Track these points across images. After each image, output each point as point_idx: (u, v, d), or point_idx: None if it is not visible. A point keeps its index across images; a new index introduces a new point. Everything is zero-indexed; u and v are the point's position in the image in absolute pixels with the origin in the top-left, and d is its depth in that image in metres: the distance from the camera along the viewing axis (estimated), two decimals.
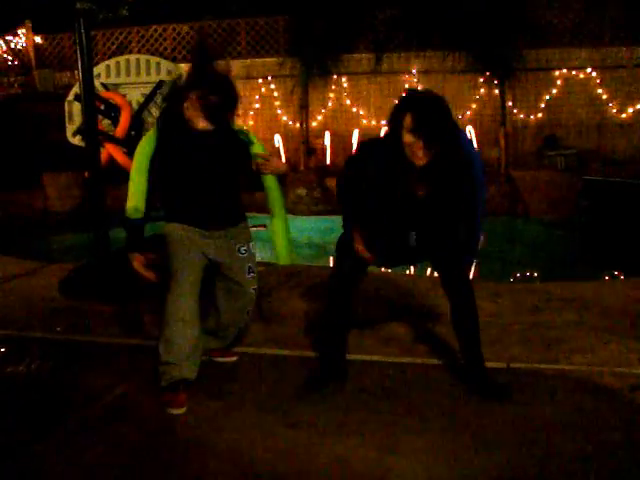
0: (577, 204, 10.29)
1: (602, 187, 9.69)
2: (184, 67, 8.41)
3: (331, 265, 3.47)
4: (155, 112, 5.62)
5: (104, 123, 5.71)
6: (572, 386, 3.29)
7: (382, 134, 3.13)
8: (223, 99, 3.08)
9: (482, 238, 3.23)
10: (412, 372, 3.52)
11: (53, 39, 14.35)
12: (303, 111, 13.09)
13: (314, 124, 13.34)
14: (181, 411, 3.09)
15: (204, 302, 3.31)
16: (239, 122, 3.42)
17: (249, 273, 3.33)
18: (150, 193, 3.14)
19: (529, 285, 6.41)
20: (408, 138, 2.80)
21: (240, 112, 3.42)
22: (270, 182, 3.35)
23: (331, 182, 11.62)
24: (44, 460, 2.72)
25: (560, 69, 12.30)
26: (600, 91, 12.25)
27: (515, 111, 12.54)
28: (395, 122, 2.87)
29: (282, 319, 4.37)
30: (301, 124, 13.13)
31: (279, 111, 13.45)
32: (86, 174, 5.25)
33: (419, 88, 3.12)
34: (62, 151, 7.27)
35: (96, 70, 5.58)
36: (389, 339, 3.99)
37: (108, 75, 5.86)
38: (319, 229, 10.24)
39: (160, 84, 5.63)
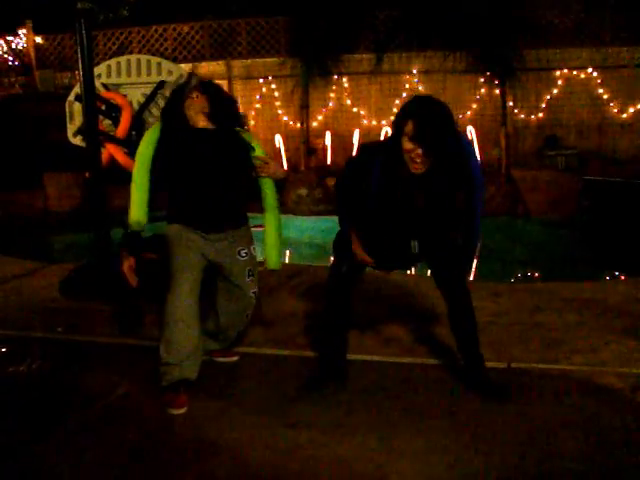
0: (578, 204, 10.30)
1: (603, 187, 9.70)
2: (185, 67, 8.42)
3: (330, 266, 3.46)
4: (156, 112, 5.61)
5: (105, 123, 5.69)
6: (573, 386, 3.28)
7: (383, 137, 3.12)
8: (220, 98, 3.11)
9: (478, 244, 3.22)
10: (412, 372, 3.52)
11: (54, 39, 14.35)
12: (304, 111, 13.09)
13: (315, 124, 13.34)
14: (181, 411, 3.09)
15: (204, 304, 3.31)
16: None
17: (249, 276, 3.32)
18: (152, 194, 3.14)
19: (530, 285, 6.41)
20: (407, 145, 2.81)
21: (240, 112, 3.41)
22: (267, 187, 3.34)
23: (332, 182, 11.61)
24: (44, 460, 2.72)
25: (561, 69, 12.30)
26: (601, 91, 12.25)
27: (516, 111, 12.54)
28: (397, 128, 2.88)
29: (282, 319, 4.37)
30: (302, 124, 13.13)
31: (280, 111, 13.45)
32: (87, 174, 5.24)
33: (423, 93, 3.09)
34: (63, 151, 7.26)
35: (97, 70, 5.58)
36: (389, 339, 3.99)
37: (109, 75, 5.84)
38: (320, 229, 10.24)
39: (161, 84, 5.62)
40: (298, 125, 13.22)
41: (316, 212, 11.77)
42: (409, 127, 2.79)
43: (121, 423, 3.02)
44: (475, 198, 3.00)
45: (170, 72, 5.73)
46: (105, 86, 5.79)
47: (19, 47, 14.53)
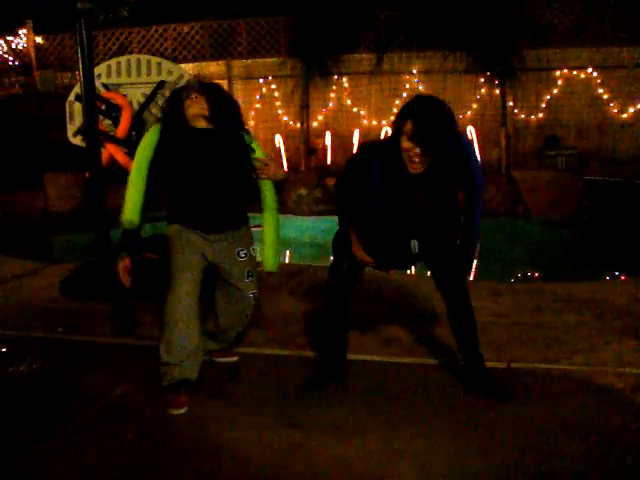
0: (578, 204, 10.30)
1: (603, 187, 9.69)
2: (185, 67, 8.41)
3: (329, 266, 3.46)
4: (156, 112, 5.61)
5: (105, 123, 5.70)
6: (573, 386, 3.28)
7: (383, 137, 3.11)
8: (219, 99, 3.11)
9: (477, 245, 3.21)
10: (412, 372, 3.52)
11: (54, 39, 14.36)
12: (304, 111, 13.09)
13: (315, 124, 13.34)
14: (182, 411, 3.09)
15: (204, 305, 3.31)
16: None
17: (248, 277, 3.32)
18: (149, 196, 3.14)
19: (530, 285, 6.41)
20: (406, 144, 2.80)
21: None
22: (266, 188, 3.33)
23: (332, 182, 11.61)
24: (44, 460, 2.72)
25: (561, 69, 12.29)
26: (601, 91, 12.24)
27: (516, 111, 12.54)
28: (396, 127, 2.87)
29: (282, 319, 4.37)
30: (302, 124, 13.13)
31: (280, 111, 13.45)
32: (87, 174, 5.24)
33: (424, 93, 3.07)
34: (63, 151, 7.26)
35: (97, 70, 5.58)
36: (389, 339, 3.99)
37: (109, 75, 5.84)
38: (320, 229, 10.23)
39: (161, 84, 5.62)
40: (298, 125, 13.22)
41: (316, 212, 11.77)
42: (408, 126, 2.79)
43: (121, 423, 3.02)
44: (475, 198, 3.00)
45: (170, 72, 5.74)
46: (105, 86, 5.80)
47: (19, 47, 14.54)
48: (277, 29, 13.45)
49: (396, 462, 2.64)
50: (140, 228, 3.19)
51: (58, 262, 6.65)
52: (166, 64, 5.85)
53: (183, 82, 5.63)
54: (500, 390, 3.19)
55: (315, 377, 3.37)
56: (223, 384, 3.42)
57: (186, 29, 13.75)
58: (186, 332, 3.09)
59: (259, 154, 3.28)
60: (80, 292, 4.95)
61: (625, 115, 12.20)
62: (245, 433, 2.90)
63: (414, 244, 3.13)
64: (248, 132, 3.34)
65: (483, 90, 12.53)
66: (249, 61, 13.49)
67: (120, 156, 5.57)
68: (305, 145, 13.10)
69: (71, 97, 5.84)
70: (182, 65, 8.94)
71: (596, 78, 12.22)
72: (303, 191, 12.04)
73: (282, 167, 3.89)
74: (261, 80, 13.43)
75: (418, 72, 12.66)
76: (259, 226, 3.40)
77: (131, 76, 5.82)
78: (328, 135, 13.15)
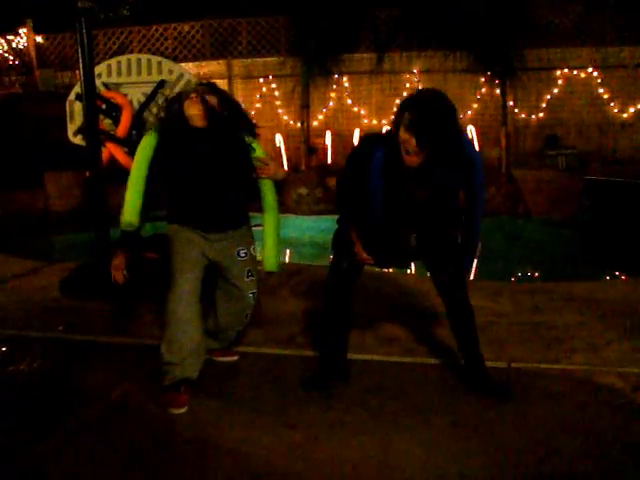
0: (578, 204, 10.28)
1: (603, 187, 9.68)
2: (185, 66, 8.41)
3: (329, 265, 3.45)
4: (156, 112, 5.61)
5: (105, 122, 5.69)
6: (573, 386, 3.28)
7: (384, 131, 3.09)
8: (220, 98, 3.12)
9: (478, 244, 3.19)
10: (412, 372, 3.52)
11: (54, 39, 14.36)
12: (304, 110, 13.09)
13: (315, 123, 13.34)
14: (182, 411, 3.09)
15: (204, 304, 3.31)
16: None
17: (248, 276, 3.32)
18: (149, 196, 3.14)
19: (530, 285, 6.41)
20: (403, 135, 2.78)
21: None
22: (267, 187, 3.33)
23: (332, 181, 11.61)
24: (44, 460, 2.72)
25: (561, 69, 12.30)
26: (601, 91, 12.24)
27: (516, 111, 12.54)
28: (396, 120, 2.86)
29: (282, 319, 4.38)
30: (302, 123, 13.13)
31: (280, 110, 13.45)
32: (87, 173, 5.24)
33: (428, 88, 3.02)
34: (63, 150, 7.26)
35: (97, 69, 5.58)
36: (390, 339, 3.99)
37: (109, 74, 5.85)
38: (320, 228, 10.23)
39: (161, 83, 5.62)
40: (298, 125, 13.22)
41: (316, 211, 11.78)
42: (406, 118, 2.77)
43: (121, 423, 3.02)
44: (475, 197, 2.99)
45: (170, 71, 5.74)
46: (105, 85, 5.80)
47: (20, 46, 14.53)
48: (277, 28, 13.45)
49: (396, 462, 2.64)
50: (140, 228, 3.19)
51: (58, 261, 6.65)
52: (166, 63, 5.85)
53: (183, 81, 5.64)
54: (500, 390, 3.19)
55: (315, 376, 3.37)
56: (223, 384, 3.42)
57: (186, 28, 13.75)
58: (187, 331, 3.09)
59: (259, 153, 3.28)
60: (80, 291, 4.95)
61: (625, 115, 12.20)
62: (245, 433, 2.90)
63: (413, 238, 3.12)
64: (255, 132, 3.33)
65: (483, 90, 12.54)
66: (249, 60, 13.49)
67: (120, 155, 5.57)
68: (305, 145, 13.10)
69: (71, 96, 5.84)
70: (182, 64, 8.93)
71: (596, 78, 12.22)
72: (303, 190, 12.04)
73: (282, 166, 3.88)
74: (261, 79, 13.44)
75: (418, 72, 12.67)
76: (260, 225, 3.40)
77: (131, 75, 5.82)
78: (328, 135, 13.15)
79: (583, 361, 3.57)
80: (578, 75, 12.29)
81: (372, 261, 3.19)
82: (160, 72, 5.74)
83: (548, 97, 12.43)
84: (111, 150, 5.58)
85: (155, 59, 5.86)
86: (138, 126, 5.55)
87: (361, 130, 12.83)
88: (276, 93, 13.41)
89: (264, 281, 4.31)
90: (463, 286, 3.23)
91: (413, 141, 2.74)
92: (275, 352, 3.84)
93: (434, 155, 2.80)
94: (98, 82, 5.52)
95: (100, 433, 2.93)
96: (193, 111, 3.08)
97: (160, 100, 5.59)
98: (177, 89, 5.53)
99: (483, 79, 12.38)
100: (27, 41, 14.39)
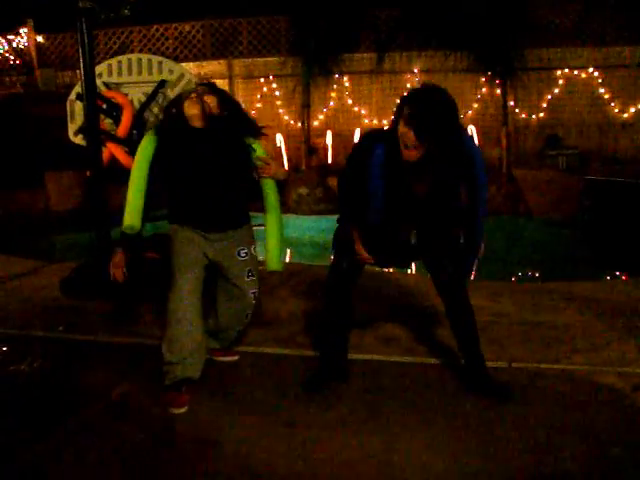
0: (579, 204, 10.29)
1: (604, 187, 9.68)
2: (186, 66, 8.42)
3: (329, 264, 3.45)
4: (157, 111, 5.62)
5: (106, 122, 5.70)
6: (573, 386, 3.28)
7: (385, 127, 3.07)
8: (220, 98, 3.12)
9: (482, 246, 3.17)
10: (413, 372, 3.52)
11: (55, 38, 14.37)
12: (305, 110, 13.09)
13: (316, 123, 13.34)
14: (182, 410, 3.09)
15: (205, 303, 3.30)
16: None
17: (249, 276, 3.31)
18: (150, 195, 3.14)
19: (530, 285, 6.41)
20: (402, 129, 2.78)
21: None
22: (268, 187, 3.32)
23: (333, 181, 11.63)
24: (44, 460, 2.72)
25: (562, 69, 12.30)
26: (602, 91, 12.25)
27: (517, 111, 12.54)
28: (396, 114, 2.86)
29: (283, 318, 4.38)
30: (303, 123, 13.13)
31: (281, 110, 13.45)
32: (88, 173, 5.25)
33: (429, 83, 3.01)
34: (64, 150, 7.27)
35: (98, 69, 5.58)
36: (390, 339, 3.99)
37: (110, 74, 5.85)
38: (320, 228, 10.23)
39: (162, 83, 5.63)
40: (299, 124, 13.23)
41: (317, 211, 11.78)
42: (405, 111, 2.77)
43: (121, 422, 3.02)
44: (477, 197, 2.98)
45: (171, 71, 5.74)
46: (106, 85, 5.80)
47: (20, 46, 14.54)
48: (278, 28, 13.46)
49: (396, 462, 2.64)
50: (141, 228, 3.19)
51: (59, 261, 6.64)
52: (167, 63, 5.85)
53: (184, 81, 5.64)
54: (500, 390, 3.19)
55: (315, 376, 3.37)
56: (223, 383, 3.42)
57: (187, 28, 13.76)
58: (188, 330, 3.10)
59: (260, 153, 3.27)
60: (81, 291, 4.95)
61: (626, 115, 12.20)
62: (245, 433, 2.90)
63: (413, 235, 3.11)
64: (261, 133, 3.33)
65: (484, 89, 12.54)
66: (250, 60, 13.50)
67: (121, 155, 5.58)
68: (306, 144, 13.11)
69: (72, 96, 5.84)
70: (183, 64, 8.94)
71: (597, 78, 12.22)
72: (304, 190, 12.04)
73: (283, 166, 3.88)
74: (262, 79, 13.44)
75: (419, 71, 12.67)
76: (262, 225, 3.40)
77: (132, 75, 5.82)
78: (329, 134, 13.15)
79: (583, 361, 3.57)
80: (579, 75, 12.29)
81: (372, 260, 3.19)
82: (161, 72, 5.74)
83: (549, 97, 12.43)
84: (112, 150, 5.58)
85: (156, 59, 5.86)
86: (139, 126, 5.55)
87: (362, 130, 12.81)
88: (277, 93, 13.42)
89: (264, 281, 4.31)
90: (463, 286, 3.23)
91: (412, 134, 2.73)
92: (275, 352, 3.84)
93: (433, 149, 2.79)
94: (99, 82, 5.52)
95: (100, 433, 2.93)
96: (193, 111, 3.08)
97: (161, 100, 5.60)
98: (178, 89, 5.53)
99: (484, 79, 12.38)
100: (28, 41, 14.40)
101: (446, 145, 2.80)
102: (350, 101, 13.21)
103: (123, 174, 3.31)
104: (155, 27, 13.85)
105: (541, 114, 12.50)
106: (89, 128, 5.06)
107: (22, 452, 2.77)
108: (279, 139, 13.10)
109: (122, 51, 13.36)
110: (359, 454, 2.70)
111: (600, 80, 12.21)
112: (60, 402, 3.27)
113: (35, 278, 5.66)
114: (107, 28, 14.14)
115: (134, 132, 5.56)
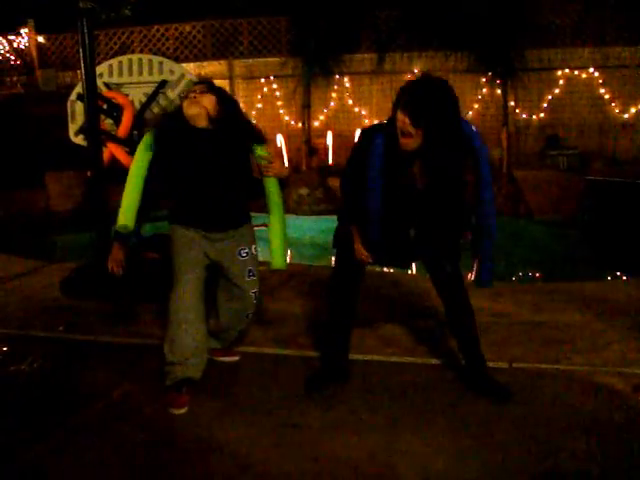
0: (579, 204, 10.29)
1: (604, 187, 9.69)
2: (186, 67, 8.42)
3: (332, 265, 3.44)
4: (157, 112, 5.61)
5: (106, 122, 5.70)
6: (574, 386, 3.28)
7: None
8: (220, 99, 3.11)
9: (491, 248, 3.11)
10: (413, 372, 3.52)
11: (56, 39, 14.38)
12: (305, 111, 13.08)
13: (316, 124, 13.34)
14: (182, 411, 3.09)
15: (206, 303, 3.30)
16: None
17: (249, 276, 3.31)
18: (148, 195, 3.14)
19: (531, 285, 6.41)
20: (399, 116, 2.78)
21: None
22: (272, 186, 3.32)
23: (332, 182, 11.63)
24: (44, 460, 2.72)
25: (562, 69, 12.29)
26: (602, 91, 12.24)
27: (517, 111, 12.54)
28: (394, 104, 2.86)
29: (284, 319, 4.37)
30: (303, 124, 13.12)
31: (281, 111, 13.46)
32: (88, 173, 5.25)
33: (426, 73, 3.00)
34: (64, 150, 7.27)
35: (98, 69, 5.58)
36: (390, 339, 3.99)
37: (110, 74, 5.84)
38: (321, 229, 10.22)
39: (163, 84, 5.62)
40: (300, 125, 13.22)
41: (317, 212, 11.77)
42: (403, 99, 2.77)
43: (121, 423, 3.02)
44: (483, 196, 2.95)
45: (172, 71, 5.73)
46: (107, 85, 5.80)
47: (21, 46, 14.55)
48: (279, 29, 13.46)
49: (396, 462, 2.64)
50: (139, 228, 3.19)
51: (59, 261, 6.64)
52: (168, 63, 5.84)
53: (184, 81, 5.64)
54: (500, 390, 3.18)
55: (316, 376, 3.37)
56: (224, 384, 3.42)
57: (188, 28, 13.76)
58: (190, 331, 3.10)
59: (262, 152, 3.26)
60: (81, 291, 4.95)
61: (626, 115, 12.19)
62: (245, 433, 2.90)
63: (412, 232, 3.10)
64: (263, 138, 3.32)
65: (485, 90, 12.54)
66: (250, 61, 13.50)
67: (121, 155, 5.57)
68: (306, 145, 13.10)
69: (73, 96, 5.84)
70: (183, 64, 8.94)
71: (597, 78, 12.21)
72: (304, 191, 12.03)
73: (285, 165, 3.87)
74: (262, 80, 13.44)
75: (420, 72, 12.64)
76: (265, 225, 3.39)
77: (133, 75, 5.82)
78: (329, 135, 13.15)
79: (584, 361, 3.57)
80: (579, 75, 12.28)
81: (371, 259, 3.18)
82: (161, 72, 5.73)
83: (549, 97, 12.42)
84: (112, 150, 5.58)
85: (156, 59, 5.86)
86: (139, 126, 5.55)
87: None
88: (277, 93, 13.42)
89: (265, 281, 4.31)
90: (462, 286, 3.22)
91: (407, 119, 2.73)
92: (276, 352, 3.84)
93: (430, 136, 2.77)
94: (99, 82, 5.52)
95: (100, 433, 2.93)
96: (192, 111, 3.08)
97: (161, 100, 5.60)
98: (178, 89, 5.54)
99: (484, 79, 12.38)
100: (28, 41, 14.40)
101: (443, 132, 2.77)
102: (350, 101, 13.21)
103: (123, 174, 3.31)
104: (156, 27, 13.85)
105: (541, 114, 12.50)
106: (90, 128, 5.06)
107: (22, 452, 2.77)
108: (279, 140, 13.10)
109: (123, 51, 13.37)
110: (359, 454, 2.70)
111: (600, 80, 12.20)
112: (60, 402, 3.27)
113: (35, 278, 5.66)
114: (108, 28, 14.15)
115: (135, 132, 5.56)
